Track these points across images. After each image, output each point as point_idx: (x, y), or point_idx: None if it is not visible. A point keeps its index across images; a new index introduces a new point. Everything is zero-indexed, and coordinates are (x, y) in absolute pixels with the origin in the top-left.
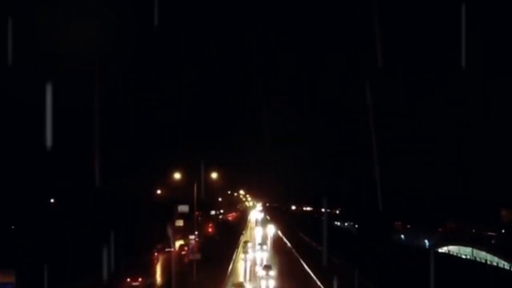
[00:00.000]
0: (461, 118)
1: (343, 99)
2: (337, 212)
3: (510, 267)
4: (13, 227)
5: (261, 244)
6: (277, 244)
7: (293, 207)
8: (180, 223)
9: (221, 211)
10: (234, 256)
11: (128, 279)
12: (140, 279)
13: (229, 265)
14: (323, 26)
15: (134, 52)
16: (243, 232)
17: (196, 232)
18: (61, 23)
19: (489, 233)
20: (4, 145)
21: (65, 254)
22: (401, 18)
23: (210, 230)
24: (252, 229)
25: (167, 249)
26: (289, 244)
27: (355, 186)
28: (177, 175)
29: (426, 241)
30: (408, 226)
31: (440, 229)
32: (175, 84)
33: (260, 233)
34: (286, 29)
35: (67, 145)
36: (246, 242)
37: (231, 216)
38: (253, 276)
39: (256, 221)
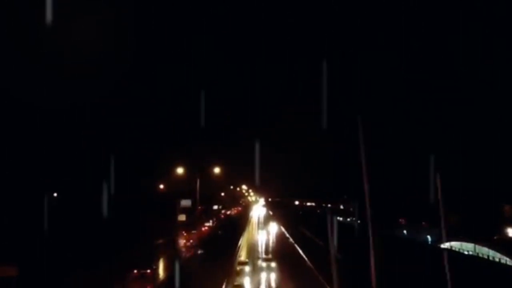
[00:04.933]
0: (463, 113)
1: (345, 95)
2: (341, 207)
3: None
4: (15, 221)
5: (267, 260)
6: (284, 248)
7: (296, 202)
8: (182, 217)
9: (220, 205)
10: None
11: (135, 271)
12: (148, 271)
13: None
14: (323, 30)
15: (136, 51)
16: (246, 227)
17: (214, 218)
18: (61, 22)
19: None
20: (7, 140)
21: (67, 247)
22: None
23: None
24: (252, 224)
25: (193, 231)
26: (300, 251)
27: (357, 182)
28: (180, 170)
29: (428, 236)
30: (401, 220)
31: (423, 223)
32: (177, 82)
33: (263, 238)
34: (286, 29)
35: (70, 141)
36: (242, 264)
37: (235, 211)
38: None
39: (259, 220)
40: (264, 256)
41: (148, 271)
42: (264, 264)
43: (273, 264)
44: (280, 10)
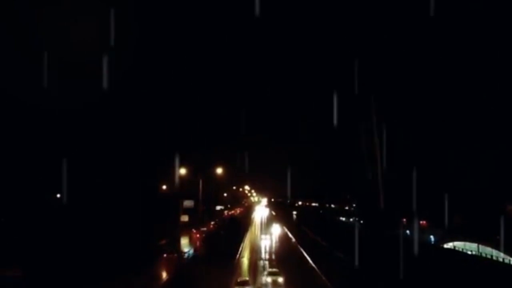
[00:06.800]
0: (464, 111)
1: (348, 98)
2: (346, 208)
3: None
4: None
5: (272, 274)
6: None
7: (300, 203)
8: (185, 218)
9: (223, 206)
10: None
11: (165, 254)
12: (175, 255)
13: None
14: (320, 27)
15: (138, 51)
16: (248, 228)
17: (217, 219)
18: (61, 22)
19: None
20: (9, 142)
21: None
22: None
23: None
24: (255, 225)
25: (202, 229)
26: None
27: (361, 182)
28: (182, 171)
29: (431, 236)
30: (404, 219)
31: (423, 222)
32: (182, 82)
33: (267, 243)
34: (286, 28)
35: (73, 142)
36: (242, 284)
37: (237, 211)
38: None
39: (262, 223)
40: (269, 268)
41: (175, 255)
42: (269, 280)
43: (280, 279)
44: (281, 10)
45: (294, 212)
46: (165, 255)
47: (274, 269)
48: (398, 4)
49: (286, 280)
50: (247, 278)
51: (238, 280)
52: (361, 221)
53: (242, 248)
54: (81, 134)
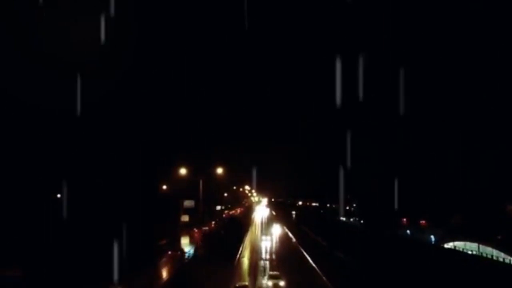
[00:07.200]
0: (464, 112)
1: (348, 98)
2: (347, 208)
3: None
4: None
5: (273, 277)
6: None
7: (300, 203)
8: (185, 218)
9: (223, 206)
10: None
11: (169, 252)
12: (178, 252)
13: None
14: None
15: (138, 51)
16: (248, 228)
17: (217, 219)
18: (61, 22)
19: None
20: (9, 142)
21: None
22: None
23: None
24: (255, 226)
25: (203, 228)
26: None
27: (362, 182)
28: (183, 170)
29: (432, 236)
30: (404, 219)
31: (423, 222)
32: (183, 83)
33: (267, 245)
34: (284, 32)
35: (74, 142)
36: None
37: (238, 211)
38: None
39: (262, 223)
40: (269, 272)
41: (178, 253)
42: (270, 283)
43: (281, 283)
44: (281, 11)
45: (293, 212)
46: (169, 252)
47: (275, 272)
48: (398, 4)
49: (287, 283)
50: (246, 283)
51: (237, 285)
52: (361, 221)
53: (242, 248)
54: (81, 134)
